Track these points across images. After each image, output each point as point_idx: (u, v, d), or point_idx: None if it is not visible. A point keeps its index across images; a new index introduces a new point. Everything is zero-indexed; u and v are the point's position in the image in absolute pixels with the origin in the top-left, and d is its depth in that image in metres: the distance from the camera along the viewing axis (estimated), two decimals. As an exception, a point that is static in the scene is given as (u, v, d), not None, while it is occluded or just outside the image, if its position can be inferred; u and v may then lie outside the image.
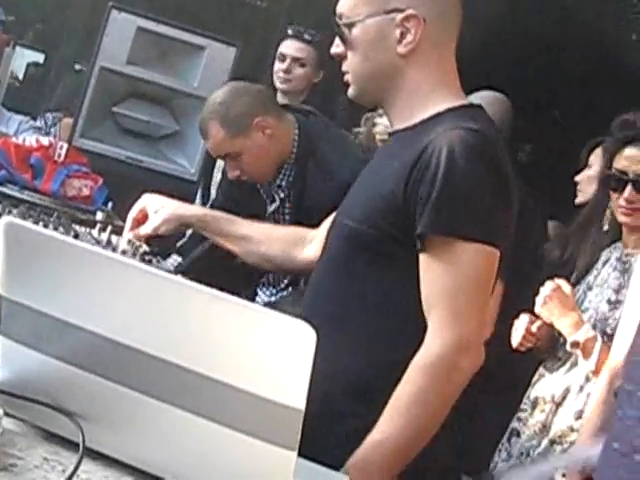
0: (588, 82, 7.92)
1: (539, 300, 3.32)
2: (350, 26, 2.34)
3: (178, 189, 4.67)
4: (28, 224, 1.63)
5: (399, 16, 2.30)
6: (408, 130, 2.36)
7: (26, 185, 3.31)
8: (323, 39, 4.64)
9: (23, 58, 10.42)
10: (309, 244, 2.76)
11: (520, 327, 3.38)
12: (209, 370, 1.40)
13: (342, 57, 2.40)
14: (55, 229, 2.69)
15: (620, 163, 3.36)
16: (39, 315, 1.50)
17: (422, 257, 2.22)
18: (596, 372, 3.12)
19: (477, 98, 3.62)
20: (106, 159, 4.46)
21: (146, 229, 2.79)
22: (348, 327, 2.33)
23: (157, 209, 2.79)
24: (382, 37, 2.34)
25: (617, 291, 3.32)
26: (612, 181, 3.38)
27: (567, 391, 3.34)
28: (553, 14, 7.97)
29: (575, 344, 3.21)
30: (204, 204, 4.38)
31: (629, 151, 3.36)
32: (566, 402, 3.33)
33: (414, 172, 2.22)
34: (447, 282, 2.20)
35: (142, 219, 2.81)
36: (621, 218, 3.35)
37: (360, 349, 2.30)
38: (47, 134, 4.46)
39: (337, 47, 2.41)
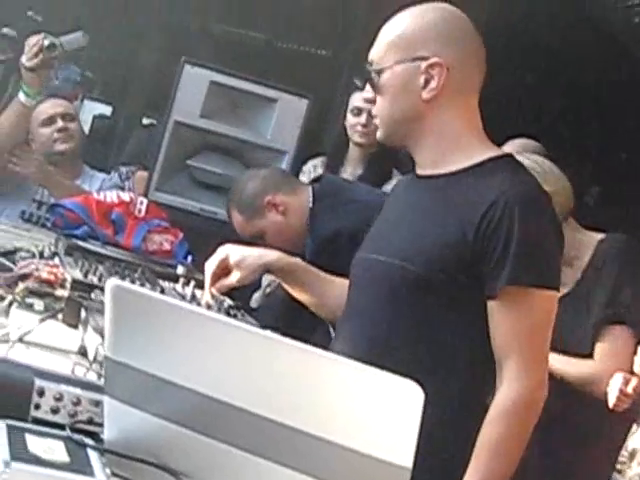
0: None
1: (637, 360, 3.30)
2: (380, 72, 2.46)
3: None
4: (133, 286, 1.66)
5: (424, 64, 2.42)
6: (449, 176, 2.46)
7: (108, 241, 3.35)
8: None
9: (91, 111, 10.53)
10: None
11: (614, 387, 3.34)
12: (313, 427, 1.41)
13: (373, 102, 2.53)
14: (142, 285, 2.72)
15: None
16: (142, 375, 1.52)
17: (496, 305, 2.32)
18: None
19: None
20: (181, 212, 4.49)
21: (232, 280, 2.79)
22: (412, 372, 2.34)
23: (240, 260, 2.78)
24: (408, 83, 2.45)
25: None
26: None
27: None
28: (614, 62, 7.97)
29: None
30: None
31: None
32: None
33: (483, 224, 2.32)
34: (525, 329, 2.31)
35: (223, 271, 2.80)
36: None
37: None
38: (121, 188, 4.48)
39: (368, 92, 2.54)
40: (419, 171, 2.56)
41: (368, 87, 2.53)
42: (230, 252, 2.81)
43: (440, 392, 2.25)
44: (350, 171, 4.69)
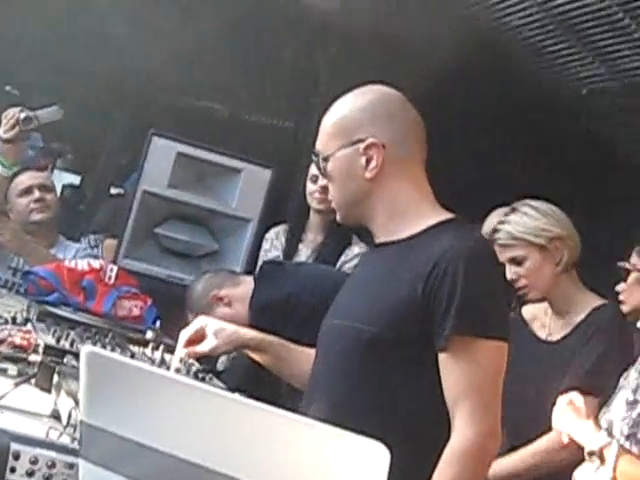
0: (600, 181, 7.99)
1: (554, 415, 3.31)
2: (325, 160, 2.54)
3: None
4: (107, 352, 1.66)
5: (362, 145, 2.50)
6: (401, 242, 2.53)
7: (79, 307, 3.35)
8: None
9: (60, 180, 10.53)
10: None
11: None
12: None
13: (327, 189, 2.65)
14: (113, 350, 2.72)
15: None
16: (116, 438, 1.51)
17: (445, 356, 2.37)
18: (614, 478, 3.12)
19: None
20: (149, 278, 4.50)
21: (203, 348, 2.83)
22: (372, 427, 2.35)
23: (218, 330, 2.84)
24: (350, 166, 2.53)
25: (635, 391, 3.31)
26: None
27: None
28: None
29: (590, 453, 3.21)
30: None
31: None
32: None
33: (430, 280, 2.37)
34: (473, 378, 2.35)
35: (197, 339, 2.85)
36: None
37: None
38: (94, 257, 4.49)
39: (322, 180, 2.70)
40: (376, 240, 2.64)
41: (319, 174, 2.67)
42: (209, 322, 2.89)
43: (402, 445, 2.31)
44: (311, 238, 4.70)
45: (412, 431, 2.38)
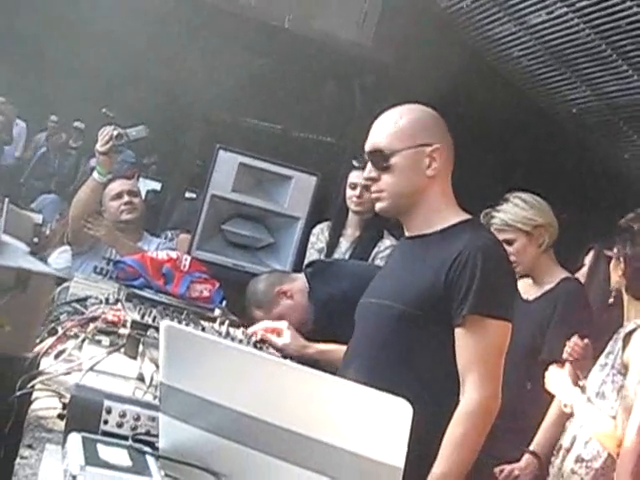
0: (589, 190, 7.92)
1: (546, 380, 3.43)
2: (390, 155, 2.51)
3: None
4: (182, 326, 1.66)
5: (428, 149, 2.52)
6: (430, 236, 2.54)
7: (160, 290, 3.35)
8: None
9: (144, 187, 10.59)
10: None
11: None
12: (325, 436, 1.41)
13: (375, 180, 2.55)
14: (187, 324, 2.72)
15: None
16: (189, 396, 1.52)
17: (460, 331, 2.40)
18: None
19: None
20: (217, 266, 4.49)
21: (277, 341, 2.99)
22: (398, 386, 2.33)
23: (293, 336, 3.03)
24: (416, 163, 2.52)
25: (606, 356, 3.29)
26: None
27: (574, 439, 3.29)
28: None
29: (565, 405, 3.31)
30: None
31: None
32: (572, 449, 3.28)
33: (452, 268, 2.40)
34: (482, 351, 2.38)
35: (274, 332, 3.02)
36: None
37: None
38: (172, 249, 4.49)
39: (370, 172, 2.56)
40: (407, 233, 2.63)
41: (370, 167, 2.57)
42: (290, 328, 3.07)
43: (421, 401, 2.30)
44: (350, 233, 4.71)
45: (430, 390, 2.38)
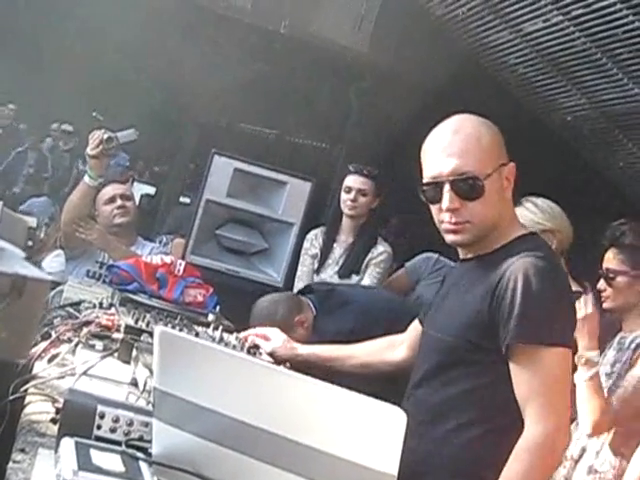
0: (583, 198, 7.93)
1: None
2: (482, 182, 2.24)
3: (266, 293, 4.72)
4: (176, 331, 1.66)
5: (506, 168, 2.29)
6: (485, 256, 2.33)
7: (153, 294, 3.34)
8: (378, 173, 4.71)
9: (138, 191, 10.59)
10: (399, 346, 2.79)
11: None
12: (319, 443, 1.41)
13: (456, 210, 2.27)
14: (181, 329, 2.72)
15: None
16: (183, 402, 1.53)
17: (512, 363, 2.20)
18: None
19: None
20: (211, 271, 4.50)
21: (266, 346, 2.90)
22: (451, 421, 2.29)
23: (284, 340, 2.92)
24: (500, 187, 2.28)
25: (612, 365, 3.30)
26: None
27: (583, 451, 3.29)
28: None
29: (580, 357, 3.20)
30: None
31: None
32: (582, 460, 3.28)
33: (496, 293, 2.21)
34: (537, 381, 2.17)
35: (265, 338, 2.94)
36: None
37: (463, 437, 2.28)
38: (166, 254, 4.50)
39: (453, 203, 2.26)
40: (462, 255, 2.44)
41: (452, 196, 2.26)
42: (280, 333, 2.98)
43: (484, 436, 2.25)
44: (344, 238, 4.72)
45: (492, 423, 2.26)
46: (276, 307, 3.57)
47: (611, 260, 3.41)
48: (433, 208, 2.34)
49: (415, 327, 2.73)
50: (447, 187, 2.26)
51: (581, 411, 3.16)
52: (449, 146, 2.27)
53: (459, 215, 2.28)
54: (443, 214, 2.30)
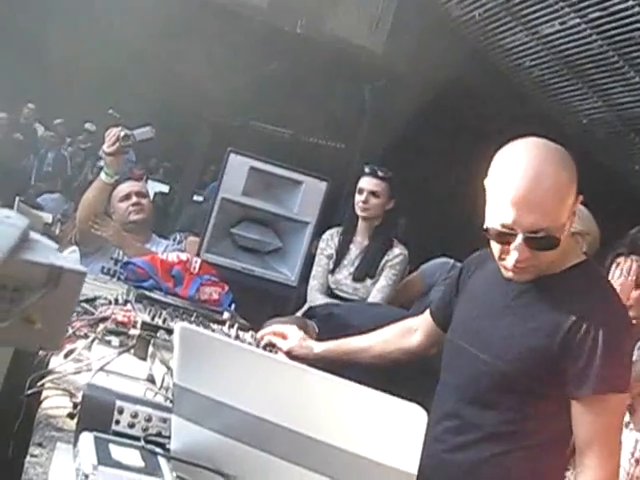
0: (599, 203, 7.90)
1: None
2: (557, 237, 2.13)
3: (281, 292, 4.73)
4: (197, 328, 1.66)
5: (575, 205, 2.16)
6: (545, 279, 2.24)
7: (169, 291, 3.35)
8: (392, 175, 4.70)
9: (152, 189, 10.63)
10: (414, 333, 2.76)
11: None
12: (338, 441, 1.41)
13: (527, 258, 2.15)
14: (197, 327, 2.72)
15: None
16: (202, 398, 1.52)
17: (578, 406, 2.18)
18: None
19: None
20: (226, 269, 4.49)
21: (282, 345, 2.85)
22: (494, 446, 2.27)
23: (301, 339, 2.87)
24: (570, 223, 2.18)
25: None
26: None
27: None
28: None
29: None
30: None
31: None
32: None
33: (570, 336, 2.15)
34: (602, 427, 2.16)
35: (281, 336, 2.89)
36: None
37: (504, 463, 2.26)
38: (181, 251, 4.50)
39: (523, 254, 2.13)
40: None
41: (523, 248, 2.13)
42: (298, 331, 2.91)
43: (517, 461, 2.24)
44: (360, 240, 4.72)
45: (530, 447, 2.24)
46: (286, 322, 3.55)
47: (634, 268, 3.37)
48: (495, 245, 2.22)
49: (427, 318, 2.70)
50: (520, 239, 2.13)
51: None
52: (528, 198, 2.08)
53: (527, 262, 2.17)
54: (508, 257, 2.19)
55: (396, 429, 1.37)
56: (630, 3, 6.09)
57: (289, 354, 2.82)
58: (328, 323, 3.53)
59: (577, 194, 2.15)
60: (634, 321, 3.36)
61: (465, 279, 2.52)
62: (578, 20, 6.70)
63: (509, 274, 2.23)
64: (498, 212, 2.13)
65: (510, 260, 2.17)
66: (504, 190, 2.11)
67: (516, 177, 2.09)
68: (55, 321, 1.28)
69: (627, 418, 3.24)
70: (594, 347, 2.12)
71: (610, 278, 3.41)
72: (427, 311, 2.72)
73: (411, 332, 2.77)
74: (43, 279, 1.23)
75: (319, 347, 2.87)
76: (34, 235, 1.35)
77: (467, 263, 2.54)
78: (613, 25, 6.50)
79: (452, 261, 4.75)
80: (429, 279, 4.80)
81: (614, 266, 3.71)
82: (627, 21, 6.34)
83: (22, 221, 1.39)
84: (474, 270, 2.49)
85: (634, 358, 3.27)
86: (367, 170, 4.71)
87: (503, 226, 2.13)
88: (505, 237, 2.15)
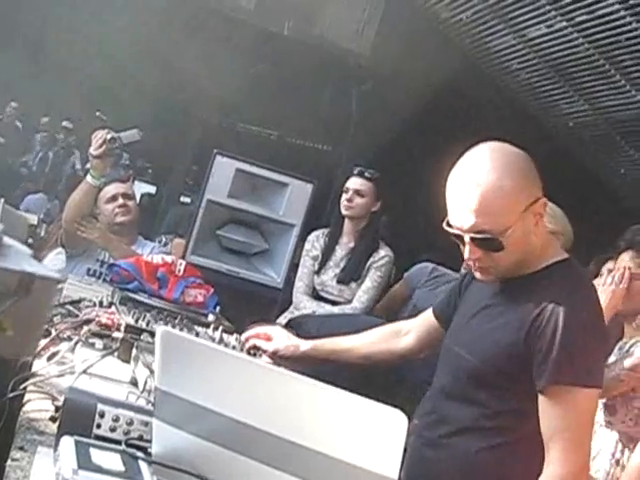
0: (584, 205, 7.93)
1: None
2: (501, 237, 2.18)
3: (266, 294, 4.73)
4: (178, 332, 1.66)
5: (536, 206, 2.21)
6: (519, 279, 2.29)
7: (154, 294, 3.34)
8: (380, 176, 4.70)
9: (139, 190, 10.61)
10: (405, 336, 2.74)
11: None
12: (319, 446, 1.40)
13: (479, 258, 2.24)
14: (181, 329, 2.71)
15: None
16: (184, 402, 1.52)
17: (543, 398, 2.17)
18: None
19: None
20: (211, 271, 4.49)
21: (267, 346, 2.80)
22: (471, 441, 2.29)
23: (285, 339, 2.82)
24: (526, 230, 2.22)
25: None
26: None
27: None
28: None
29: None
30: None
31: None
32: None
33: (533, 328, 2.17)
34: (566, 421, 2.14)
35: (265, 337, 2.84)
36: None
37: (481, 459, 2.27)
38: (167, 253, 4.49)
39: (474, 254, 2.23)
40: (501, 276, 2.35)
41: (472, 248, 2.22)
42: (281, 331, 2.88)
43: (495, 456, 2.26)
44: (346, 241, 4.72)
45: (506, 443, 2.26)
46: None
47: (627, 262, 3.39)
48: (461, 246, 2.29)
49: (426, 318, 2.70)
50: (467, 239, 2.22)
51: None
52: (469, 201, 2.17)
53: (482, 262, 2.26)
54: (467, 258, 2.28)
55: (377, 434, 1.36)
56: (616, 7, 6.12)
57: (275, 354, 2.80)
58: (309, 330, 3.52)
59: (536, 199, 2.20)
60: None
61: (466, 284, 2.56)
62: (565, 23, 6.72)
63: (476, 274, 2.33)
64: (449, 214, 2.25)
65: (470, 260, 2.27)
66: (450, 193, 2.24)
67: (458, 181, 2.21)
68: (28, 328, 1.27)
69: (607, 417, 3.26)
70: (553, 337, 2.13)
71: (601, 284, 3.45)
72: (424, 313, 2.73)
73: (399, 335, 2.76)
74: (14, 286, 1.21)
75: (305, 345, 2.83)
76: (7, 240, 1.34)
77: (469, 273, 2.57)
78: (600, 29, 6.53)
79: (432, 265, 4.79)
80: (411, 284, 4.84)
81: (605, 271, 3.74)
82: (613, 25, 6.37)
83: (-6, 226, 1.38)
84: (471, 280, 2.53)
85: (613, 358, 3.29)
86: (355, 171, 4.72)
87: (453, 227, 2.23)
88: (458, 237, 2.24)
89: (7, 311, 1.21)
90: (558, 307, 2.15)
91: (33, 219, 4.65)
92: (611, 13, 6.23)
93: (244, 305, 3.83)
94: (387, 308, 4.66)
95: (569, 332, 2.13)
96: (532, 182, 2.22)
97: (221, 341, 2.81)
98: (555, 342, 2.13)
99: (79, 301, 3.14)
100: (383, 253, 4.64)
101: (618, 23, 6.26)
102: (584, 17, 6.49)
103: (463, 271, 4.65)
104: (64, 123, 12.46)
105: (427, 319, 2.69)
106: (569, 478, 2.12)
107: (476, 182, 2.17)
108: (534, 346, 2.17)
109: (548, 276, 2.26)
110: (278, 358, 2.77)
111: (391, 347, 2.76)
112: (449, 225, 2.25)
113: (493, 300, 2.36)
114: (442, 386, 2.41)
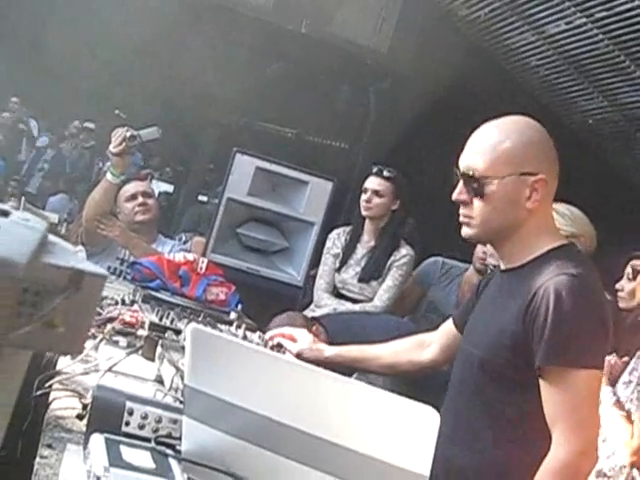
0: (604, 201, 7.90)
1: None
2: (486, 182, 2.26)
3: (287, 292, 4.74)
4: (209, 329, 1.66)
5: (531, 179, 2.25)
6: (519, 269, 2.32)
7: (176, 292, 3.35)
8: (398, 175, 4.70)
9: (157, 188, 10.64)
10: (428, 347, 2.77)
11: None
12: (351, 442, 1.40)
13: (465, 204, 2.32)
14: (205, 327, 2.71)
15: None
16: (213, 399, 1.52)
17: (542, 382, 2.18)
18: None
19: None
20: (231, 269, 4.50)
21: (292, 347, 2.85)
22: (481, 434, 2.32)
23: (310, 341, 2.87)
24: (515, 194, 2.26)
25: (630, 372, 3.27)
26: None
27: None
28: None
29: None
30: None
31: None
32: None
33: (528, 313, 2.19)
34: (566, 402, 2.15)
35: (290, 338, 2.89)
36: None
37: (493, 454, 2.29)
38: (187, 251, 4.50)
39: (461, 194, 2.31)
40: (501, 265, 2.42)
41: (461, 188, 2.31)
42: (307, 334, 2.93)
43: (506, 448, 2.27)
44: (367, 239, 4.72)
45: (516, 435, 2.27)
46: (295, 317, 3.55)
47: None
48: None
49: (447, 329, 2.72)
50: (460, 179, 2.33)
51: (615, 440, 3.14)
52: (472, 144, 2.33)
53: (466, 209, 2.33)
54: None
55: (408, 430, 1.36)
56: (636, 3, 6.09)
57: (299, 357, 2.81)
58: (340, 325, 3.52)
59: (534, 172, 2.26)
60: None
61: (482, 290, 2.57)
62: (584, 20, 6.69)
63: (462, 230, 2.38)
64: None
65: (454, 199, 2.35)
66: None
67: (478, 130, 2.37)
68: (77, 325, 1.27)
69: None
70: (545, 318, 2.15)
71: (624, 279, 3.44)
72: (445, 324, 2.74)
73: (423, 346, 2.78)
74: (65, 282, 1.22)
75: (330, 351, 2.87)
76: (53, 238, 1.34)
77: (486, 276, 2.63)
78: (619, 25, 6.50)
79: (441, 259, 4.80)
80: (424, 281, 4.84)
81: (630, 269, 3.73)
82: (633, 21, 6.34)
83: (41, 224, 1.39)
84: (486, 283, 2.56)
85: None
86: (373, 170, 4.71)
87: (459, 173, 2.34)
88: (456, 184, 2.34)
89: (57, 308, 1.21)
90: (550, 289, 2.16)
91: (54, 218, 4.66)
92: (631, 9, 6.20)
93: (265, 303, 3.83)
94: (398, 307, 4.66)
95: (561, 313, 2.13)
96: (535, 155, 2.28)
97: (244, 339, 2.81)
98: (547, 322, 2.14)
99: (101, 299, 3.14)
100: (404, 252, 4.64)
101: (638, 19, 6.23)
102: (603, 13, 6.46)
103: (477, 267, 4.65)
104: (86, 124, 12.53)
105: (448, 329, 2.71)
106: (569, 459, 2.11)
107: (486, 131, 2.33)
108: (530, 329, 2.18)
109: (545, 261, 2.27)
110: (302, 360, 2.77)
111: (414, 358, 2.78)
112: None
113: (497, 293, 2.40)
114: (453, 384, 2.45)
